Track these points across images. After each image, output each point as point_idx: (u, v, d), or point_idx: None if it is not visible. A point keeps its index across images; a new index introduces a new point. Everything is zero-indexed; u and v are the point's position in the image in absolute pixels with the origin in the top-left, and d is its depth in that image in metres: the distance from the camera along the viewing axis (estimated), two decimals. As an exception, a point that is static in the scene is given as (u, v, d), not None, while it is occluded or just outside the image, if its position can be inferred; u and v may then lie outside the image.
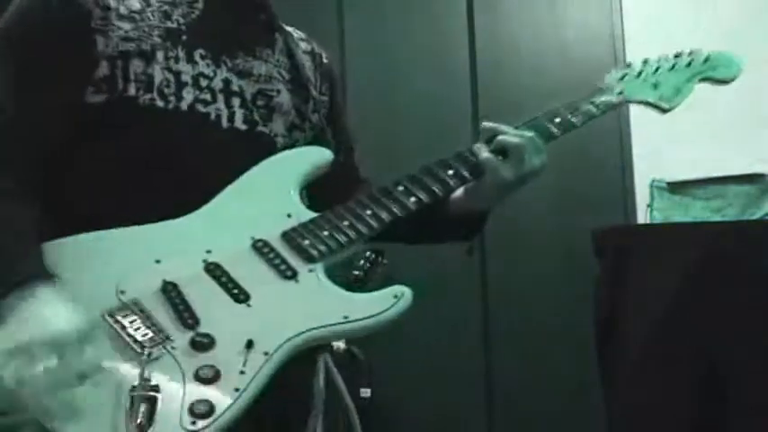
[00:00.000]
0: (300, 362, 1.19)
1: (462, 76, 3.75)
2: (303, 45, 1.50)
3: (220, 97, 1.31)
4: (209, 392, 1.08)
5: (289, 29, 1.49)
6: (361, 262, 3.54)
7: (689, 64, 1.51)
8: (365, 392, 3.61)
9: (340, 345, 3.39)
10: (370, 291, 1.24)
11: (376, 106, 3.93)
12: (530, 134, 1.35)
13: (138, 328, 1.12)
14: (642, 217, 3.36)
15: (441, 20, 3.86)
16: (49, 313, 1.08)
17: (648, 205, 3.32)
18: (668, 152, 3.39)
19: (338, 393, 1.38)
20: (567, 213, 3.51)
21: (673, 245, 2.55)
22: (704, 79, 1.51)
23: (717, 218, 3.13)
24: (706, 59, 1.52)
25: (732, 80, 1.51)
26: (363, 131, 3.89)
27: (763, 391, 2.30)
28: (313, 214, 1.28)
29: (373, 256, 3.53)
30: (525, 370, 3.52)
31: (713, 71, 1.52)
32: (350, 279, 3.49)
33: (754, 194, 3.14)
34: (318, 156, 1.37)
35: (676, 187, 3.28)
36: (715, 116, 3.33)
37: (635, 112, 3.39)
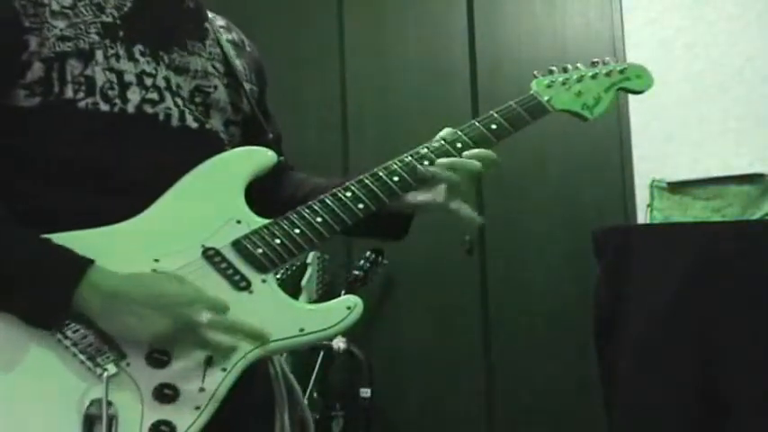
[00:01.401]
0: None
1: (462, 76, 3.75)
2: (225, 34, 1.45)
3: (168, 95, 1.27)
4: (169, 412, 1.07)
5: (210, 15, 1.43)
6: (362, 262, 3.54)
7: (608, 73, 1.54)
8: (365, 392, 3.61)
9: (340, 345, 3.39)
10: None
11: (375, 106, 3.93)
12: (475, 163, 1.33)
13: (91, 344, 1.09)
14: (642, 217, 3.36)
15: (440, 20, 3.86)
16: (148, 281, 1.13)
17: (648, 205, 3.32)
18: (668, 152, 3.39)
19: (289, 384, 1.36)
20: (566, 213, 3.51)
21: (673, 245, 2.55)
22: (621, 89, 1.55)
23: (717, 218, 3.12)
24: (622, 70, 1.55)
25: (644, 91, 1.56)
26: (362, 132, 3.92)
27: (764, 391, 2.30)
28: (261, 220, 1.24)
29: (373, 255, 3.53)
30: (525, 370, 3.52)
31: (629, 82, 1.55)
32: (350, 279, 3.49)
33: (754, 194, 3.14)
34: (263, 157, 1.32)
35: (676, 187, 3.28)
36: (715, 116, 3.33)
37: (635, 112, 3.39)
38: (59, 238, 1.13)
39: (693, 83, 3.35)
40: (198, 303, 1.11)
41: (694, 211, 3.21)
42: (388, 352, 3.68)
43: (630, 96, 3.43)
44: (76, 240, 1.13)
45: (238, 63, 1.42)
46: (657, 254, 2.55)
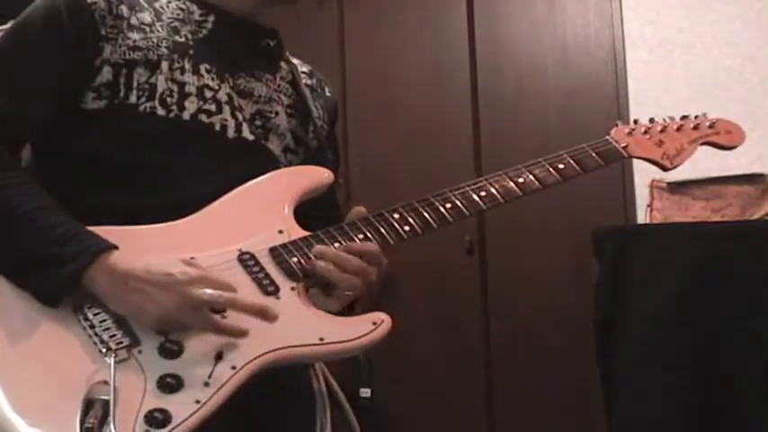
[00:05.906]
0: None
1: (462, 76, 3.75)
2: (305, 79, 1.50)
3: (226, 108, 1.31)
4: (168, 401, 1.07)
5: (295, 61, 1.49)
6: (362, 262, 3.53)
7: (696, 127, 1.53)
8: (365, 392, 3.61)
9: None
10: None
11: (375, 106, 3.93)
12: None
13: (108, 329, 1.12)
14: (642, 217, 3.35)
15: (440, 20, 3.86)
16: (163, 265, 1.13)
17: (648, 205, 3.32)
18: (668, 152, 3.38)
19: (335, 395, 1.38)
20: (566, 213, 3.51)
21: (673, 245, 2.55)
22: (707, 143, 1.53)
23: (717, 218, 3.12)
24: (712, 125, 1.54)
25: (734, 148, 1.55)
26: (363, 131, 3.92)
27: (764, 392, 2.30)
28: (305, 233, 1.26)
29: (373, 255, 3.53)
30: (525, 369, 3.52)
31: (717, 136, 1.54)
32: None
33: (754, 194, 3.14)
34: (319, 175, 1.35)
35: (676, 187, 3.28)
36: (715, 116, 3.33)
37: (635, 112, 3.39)
38: (103, 230, 1.17)
39: (693, 83, 3.35)
40: (201, 282, 1.12)
41: (694, 211, 3.20)
42: (388, 352, 3.67)
43: (630, 96, 3.46)
44: (117, 234, 1.17)
45: (311, 104, 1.46)
46: (657, 254, 2.55)
